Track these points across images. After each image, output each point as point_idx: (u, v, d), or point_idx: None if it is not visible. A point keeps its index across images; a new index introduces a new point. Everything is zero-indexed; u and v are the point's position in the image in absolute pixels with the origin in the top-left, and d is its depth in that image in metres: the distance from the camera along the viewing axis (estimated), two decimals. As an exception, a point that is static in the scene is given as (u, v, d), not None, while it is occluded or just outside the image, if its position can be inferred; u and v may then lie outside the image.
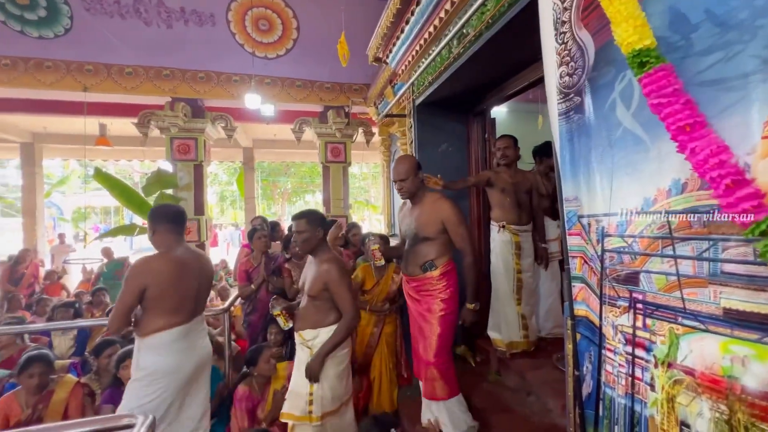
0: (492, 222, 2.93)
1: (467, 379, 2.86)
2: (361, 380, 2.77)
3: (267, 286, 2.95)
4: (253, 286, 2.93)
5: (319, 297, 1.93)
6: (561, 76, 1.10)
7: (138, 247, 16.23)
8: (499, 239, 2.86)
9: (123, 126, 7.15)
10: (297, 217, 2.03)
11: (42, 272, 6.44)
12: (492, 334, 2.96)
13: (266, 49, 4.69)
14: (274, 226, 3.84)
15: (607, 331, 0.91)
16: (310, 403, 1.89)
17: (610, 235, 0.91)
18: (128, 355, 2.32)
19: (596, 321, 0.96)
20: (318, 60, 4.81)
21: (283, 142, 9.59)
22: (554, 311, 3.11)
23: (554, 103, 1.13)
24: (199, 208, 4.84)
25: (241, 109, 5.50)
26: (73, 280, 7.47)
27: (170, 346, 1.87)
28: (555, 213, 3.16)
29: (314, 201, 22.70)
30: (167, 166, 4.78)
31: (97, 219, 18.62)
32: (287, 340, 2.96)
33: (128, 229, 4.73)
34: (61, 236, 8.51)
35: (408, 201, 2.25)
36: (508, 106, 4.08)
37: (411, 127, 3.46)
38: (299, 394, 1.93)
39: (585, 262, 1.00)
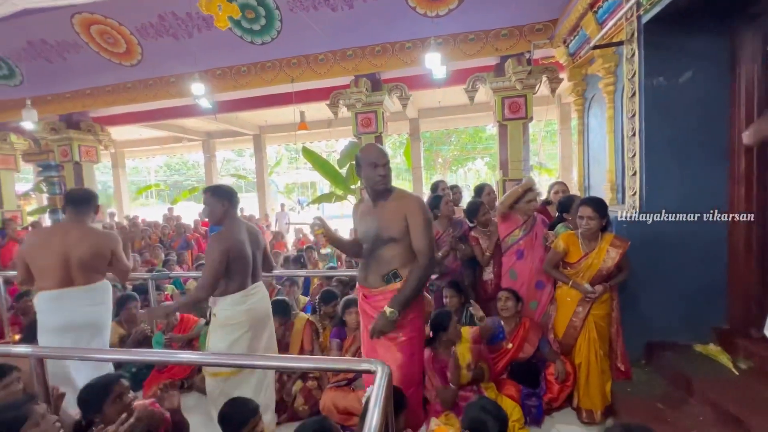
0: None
1: (727, 389, 2.11)
2: (564, 364, 2.41)
3: (455, 254, 2.88)
4: (440, 254, 2.91)
5: None
6: None
7: (328, 214, 19.65)
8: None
9: (314, 112, 8.44)
10: (204, 191, 2.14)
11: (269, 232, 8.73)
12: (777, 336, 2.07)
13: (437, 7, 4.47)
14: (453, 188, 3.73)
15: None
16: None
17: None
18: (352, 303, 2.67)
19: None
20: (493, 3, 4.28)
21: (448, 109, 9.43)
22: None
23: None
24: (381, 176, 5.23)
25: (414, 77, 5.56)
26: (288, 239, 9.75)
27: (43, 305, 2.23)
28: None
29: (475, 168, 22.03)
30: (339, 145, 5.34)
31: (300, 192, 23.37)
32: (463, 306, 2.84)
33: (327, 197, 5.57)
34: (282, 206, 11.00)
35: (365, 200, 1.93)
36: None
37: (632, 55, 2.65)
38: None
39: None
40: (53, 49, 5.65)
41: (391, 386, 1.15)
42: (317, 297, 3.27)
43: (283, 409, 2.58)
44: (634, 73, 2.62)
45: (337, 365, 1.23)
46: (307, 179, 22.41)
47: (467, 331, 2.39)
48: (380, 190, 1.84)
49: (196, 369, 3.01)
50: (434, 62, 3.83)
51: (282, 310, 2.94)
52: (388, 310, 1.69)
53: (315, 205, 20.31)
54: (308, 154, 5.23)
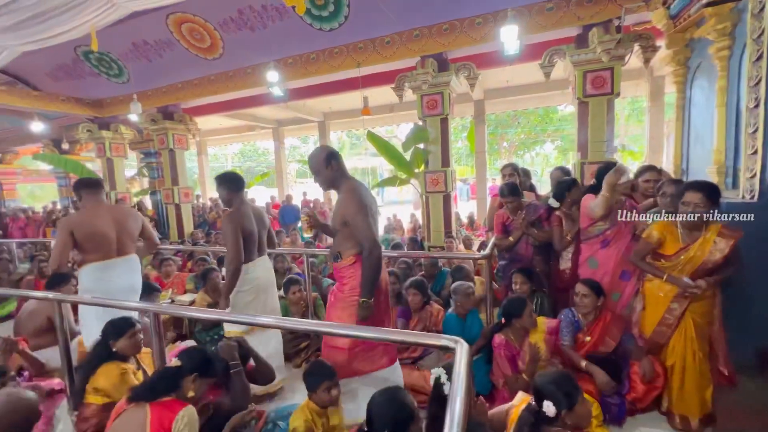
0: None
1: None
2: (652, 363, 2.19)
3: (528, 239, 2.74)
4: (511, 239, 2.78)
5: None
6: None
7: (387, 199, 19.87)
8: None
9: (377, 96, 8.46)
10: (215, 180, 2.46)
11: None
12: None
13: (512, -25, 4.16)
14: (527, 173, 3.53)
15: None
16: None
17: None
18: (413, 284, 2.71)
19: None
20: (577, -34, 3.86)
21: (516, 88, 8.85)
22: None
23: None
24: (446, 160, 5.11)
25: (482, 55, 5.28)
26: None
27: (92, 275, 2.55)
28: None
29: (543, 153, 20.57)
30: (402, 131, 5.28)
31: (360, 178, 23.96)
32: (534, 293, 2.69)
33: (391, 181, 5.61)
34: (344, 189, 11.38)
35: None
36: None
37: (760, 10, 2.23)
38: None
39: None
40: (152, 49, 6.36)
41: (471, 363, 1.14)
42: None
43: (351, 379, 2.73)
44: (762, 32, 2.20)
45: (417, 339, 1.25)
46: (368, 165, 22.81)
47: (543, 322, 2.28)
48: (326, 190, 2.27)
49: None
50: (510, 36, 3.56)
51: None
52: (361, 300, 1.94)
53: (375, 189, 20.64)
54: (373, 138, 5.28)
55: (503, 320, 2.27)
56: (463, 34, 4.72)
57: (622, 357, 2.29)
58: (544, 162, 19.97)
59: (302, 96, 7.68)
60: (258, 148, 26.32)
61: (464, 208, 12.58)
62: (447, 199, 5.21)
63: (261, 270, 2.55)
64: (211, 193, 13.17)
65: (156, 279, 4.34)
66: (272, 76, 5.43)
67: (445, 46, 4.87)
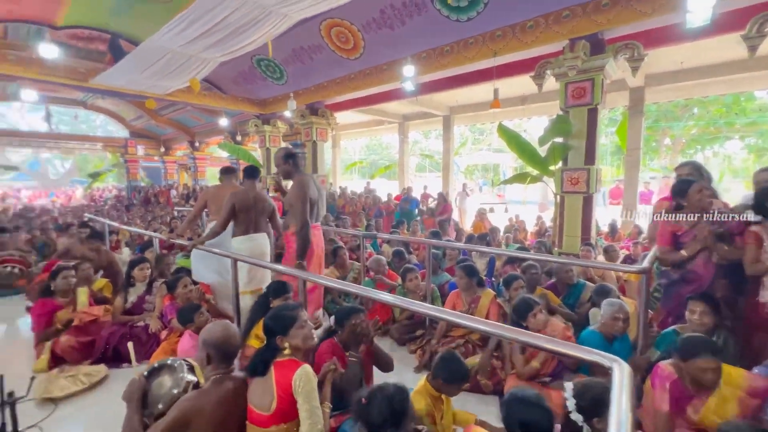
0: None
1: None
2: None
3: (710, 255, 2.16)
4: (683, 253, 2.23)
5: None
6: None
7: (509, 198, 18.64)
8: None
9: (506, 88, 7.91)
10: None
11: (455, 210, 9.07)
12: None
13: (710, -74, 3.28)
14: (708, 175, 2.79)
15: None
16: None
17: None
18: (534, 305, 2.44)
19: None
20: None
21: (692, 72, 7.11)
22: None
23: None
24: (591, 157, 4.44)
25: (651, 31, 4.39)
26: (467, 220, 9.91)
27: (241, 243, 3.15)
28: None
29: (724, 152, 16.13)
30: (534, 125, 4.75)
31: (480, 174, 23.02)
32: (716, 328, 2.07)
33: (522, 177, 5.21)
34: (464, 185, 11.12)
35: None
36: None
37: None
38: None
39: None
40: (305, 53, 7.31)
41: (635, 390, 0.96)
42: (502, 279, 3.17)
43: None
44: None
45: (568, 350, 1.09)
46: (489, 161, 21.76)
47: (741, 375, 1.74)
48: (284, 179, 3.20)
49: (392, 319, 3.47)
50: (702, 2, 2.79)
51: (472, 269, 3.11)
52: (296, 261, 2.78)
53: (495, 187, 19.55)
54: (503, 131, 4.96)
55: (678, 355, 1.82)
56: (628, 8, 4.00)
57: None
58: (725, 164, 15.63)
59: (431, 90, 7.73)
60: (382, 143, 27.87)
61: (599, 214, 10.84)
62: (588, 202, 4.55)
63: (254, 242, 3.15)
64: (340, 181, 14.56)
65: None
66: (408, 70, 5.61)
67: (602, 25, 4.21)
